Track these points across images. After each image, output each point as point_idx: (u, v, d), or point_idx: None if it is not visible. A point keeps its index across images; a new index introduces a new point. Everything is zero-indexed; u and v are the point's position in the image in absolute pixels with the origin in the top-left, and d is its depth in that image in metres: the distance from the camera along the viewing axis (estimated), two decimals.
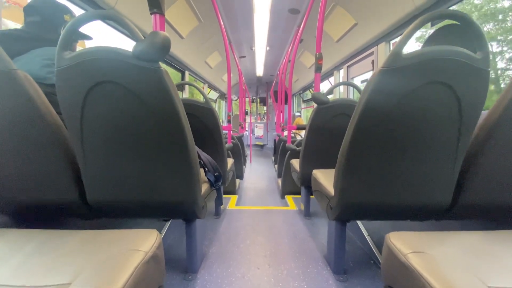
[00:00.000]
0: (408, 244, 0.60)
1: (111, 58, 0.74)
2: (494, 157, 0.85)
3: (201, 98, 1.69)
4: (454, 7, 1.61)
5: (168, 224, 1.66)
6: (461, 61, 0.75)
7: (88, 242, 0.63)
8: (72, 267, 0.52)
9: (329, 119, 1.61)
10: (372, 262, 1.32)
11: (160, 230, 0.71)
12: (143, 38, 0.73)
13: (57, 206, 0.95)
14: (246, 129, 7.02)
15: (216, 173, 1.28)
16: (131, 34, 0.74)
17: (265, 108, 8.72)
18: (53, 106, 0.82)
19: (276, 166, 3.74)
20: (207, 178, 1.27)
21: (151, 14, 0.87)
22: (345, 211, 1.03)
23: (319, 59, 1.78)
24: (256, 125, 8.04)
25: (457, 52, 0.75)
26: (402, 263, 0.56)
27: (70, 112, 0.81)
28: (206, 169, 1.25)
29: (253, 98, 8.69)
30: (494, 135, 0.82)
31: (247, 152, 5.00)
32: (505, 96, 0.78)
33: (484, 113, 0.84)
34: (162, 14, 0.87)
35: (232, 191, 2.63)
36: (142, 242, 0.60)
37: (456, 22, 0.85)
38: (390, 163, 0.90)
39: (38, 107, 0.77)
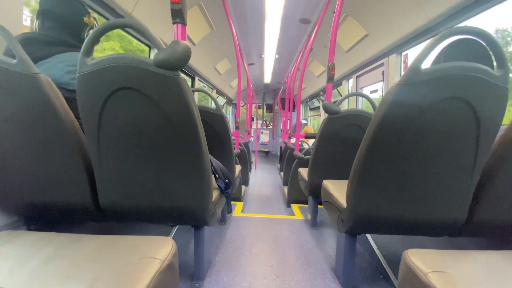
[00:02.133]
0: (428, 263, 0.59)
1: (132, 65, 0.75)
2: (511, 175, 0.84)
3: (208, 104, 1.70)
4: (465, 22, 1.61)
5: (175, 229, 1.66)
6: (480, 77, 0.75)
7: (104, 247, 0.63)
8: (89, 274, 0.53)
9: (339, 129, 1.61)
10: (382, 276, 1.29)
11: (167, 236, 0.72)
12: (164, 46, 0.75)
13: (69, 209, 0.96)
14: (252, 135, 7.04)
15: (226, 180, 1.28)
16: (152, 43, 0.76)
17: (271, 114, 8.75)
18: (74, 111, 0.83)
19: (281, 173, 3.73)
20: (218, 185, 1.27)
21: (173, 23, 0.89)
22: (358, 224, 1.02)
23: (331, 69, 1.78)
24: (262, 132, 8.06)
25: (476, 69, 0.75)
26: (422, 283, 0.55)
27: (89, 117, 0.82)
28: (217, 175, 1.25)
29: (260, 104, 8.73)
30: None
31: (253, 158, 5.01)
32: None
33: (503, 128, 0.83)
34: (184, 23, 0.89)
35: (237, 197, 2.62)
36: (158, 250, 0.60)
37: (473, 38, 0.85)
38: (406, 177, 0.88)
39: (57, 111, 0.79)
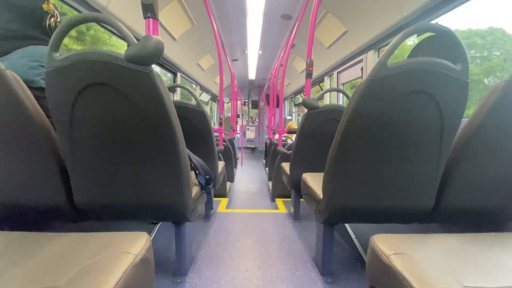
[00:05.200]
0: (390, 246, 0.63)
1: (103, 61, 0.74)
2: (473, 163, 0.90)
3: (192, 100, 1.70)
4: (439, 19, 1.68)
5: (157, 227, 1.65)
6: (442, 72, 0.79)
7: (77, 244, 0.63)
8: (61, 270, 0.52)
9: (319, 124, 1.65)
10: (359, 264, 1.35)
11: (149, 233, 0.71)
12: (136, 41, 0.74)
13: (44, 209, 0.94)
14: (238, 131, 7.02)
15: (207, 176, 1.29)
16: (124, 37, 0.75)
17: (256, 111, 8.75)
18: (42, 109, 0.81)
19: (267, 169, 3.76)
20: (198, 181, 1.27)
21: (144, 18, 0.87)
22: (333, 214, 1.06)
23: (310, 65, 1.81)
24: (248, 128, 8.06)
25: (438, 64, 0.79)
26: (384, 264, 0.59)
27: (59, 114, 0.80)
28: (197, 172, 1.25)
29: (245, 101, 8.71)
30: (474, 142, 0.86)
31: (238, 155, 5.01)
32: (484, 106, 0.82)
33: (465, 121, 0.89)
34: (155, 18, 0.88)
35: (222, 194, 2.63)
36: (132, 245, 0.60)
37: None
38: (376, 167, 0.93)
39: (26, 109, 0.76)
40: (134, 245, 0.61)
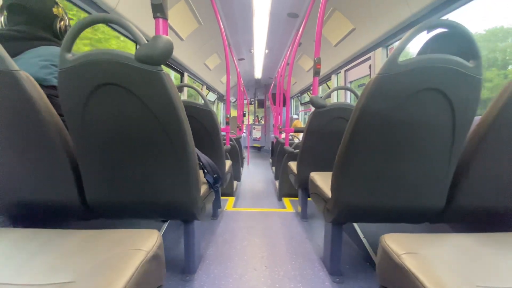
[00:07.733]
0: (402, 245, 0.62)
1: (114, 61, 0.75)
2: (486, 162, 0.88)
3: (199, 100, 1.70)
4: (448, 15, 1.64)
5: (166, 225, 1.67)
6: (454, 69, 0.78)
7: (90, 241, 0.64)
8: (75, 266, 0.53)
9: (326, 123, 1.64)
10: (368, 263, 1.34)
11: (158, 231, 0.73)
12: (146, 41, 0.75)
13: (56, 207, 0.96)
14: (244, 131, 7.03)
15: (215, 175, 1.30)
16: (134, 38, 0.76)
17: (263, 110, 8.75)
18: (54, 107, 0.83)
19: (273, 168, 3.76)
20: (206, 179, 1.28)
21: (154, 18, 0.88)
22: (342, 214, 1.05)
23: (317, 63, 1.80)
24: (254, 127, 8.06)
25: (450, 60, 0.78)
26: (396, 264, 0.58)
27: (72, 113, 0.82)
28: (206, 170, 1.26)
29: (251, 100, 8.71)
30: (486, 141, 0.84)
31: (245, 154, 5.02)
32: (497, 103, 0.80)
33: (477, 119, 0.87)
34: (165, 18, 0.89)
35: (229, 193, 2.64)
36: (144, 242, 0.61)
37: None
38: (386, 166, 0.92)
39: (39, 108, 0.78)
40: (146, 242, 0.62)
